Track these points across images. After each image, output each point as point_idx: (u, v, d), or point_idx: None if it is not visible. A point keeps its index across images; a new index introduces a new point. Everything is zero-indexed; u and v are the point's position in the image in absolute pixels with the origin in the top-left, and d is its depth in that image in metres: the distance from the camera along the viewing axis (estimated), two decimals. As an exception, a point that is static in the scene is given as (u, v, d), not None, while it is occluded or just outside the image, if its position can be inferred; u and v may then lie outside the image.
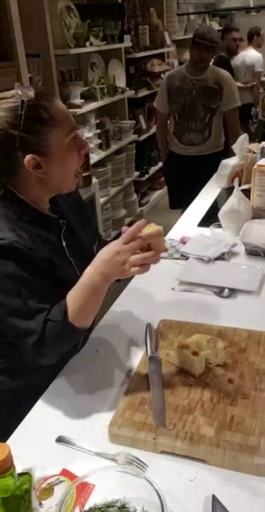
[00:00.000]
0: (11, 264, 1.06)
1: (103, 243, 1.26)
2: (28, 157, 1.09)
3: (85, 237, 1.33)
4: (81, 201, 1.42)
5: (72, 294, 1.09)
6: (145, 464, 0.97)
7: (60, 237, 1.23)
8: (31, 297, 1.07)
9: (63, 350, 1.13)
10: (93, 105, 3.76)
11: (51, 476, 0.95)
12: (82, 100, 3.55)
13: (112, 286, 1.18)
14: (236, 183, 1.94)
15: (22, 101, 1.08)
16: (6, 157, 1.11)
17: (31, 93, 1.09)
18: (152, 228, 1.09)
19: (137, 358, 1.27)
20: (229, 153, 2.62)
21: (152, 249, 1.08)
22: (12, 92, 1.11)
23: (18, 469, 0.76)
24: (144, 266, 1.06)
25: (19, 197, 1.15)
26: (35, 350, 1.06)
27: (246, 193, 2.02)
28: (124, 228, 1.10)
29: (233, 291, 1.56)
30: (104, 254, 1.07)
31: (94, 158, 3.81)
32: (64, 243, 1.24)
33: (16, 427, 1.10)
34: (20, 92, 1.08)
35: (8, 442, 1.04)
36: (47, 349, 1.07)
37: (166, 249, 1.11)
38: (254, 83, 5.63)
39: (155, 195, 5.39)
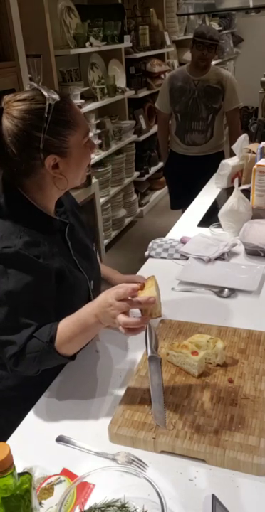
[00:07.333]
0: (12, 277, 1.07)
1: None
2: (49, 158, 1.11)
3: (82, 235, 1.34)
4: (75, 200, 1.44)
5: (65, 322, 1.10)
6: (145, 464, 0.97)
7: (65, 237, 1.24)
8: (24, 313, 1.08)
9: (41, 369, 1.13)
10: (93, 105, 3.76)
11: (51, 476, 0.95)
12: (83, 100, 3.56)
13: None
14: (236, 183, 1.94)
15: (49, 104, 1.08)
16: (27, 159, 1.11)
17: (56, 96, 1.09)
18: (150, 289, 1.04)
19: (137, 358, 1.27)
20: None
21: (143, 314, 1.04)
22: (26, 94, 1.11)
23: (18, 469, 0.76)
24: (129, 329, 1.02)
25: (28, 200, 1.16)
26: (12, 361, 1.09)
27: (246, 193, 2.03)
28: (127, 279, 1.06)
29: (233, 291, 1.56)
30: (102, 300, 1.06)
31: (94, 158, 3.81)
32: (69, 243, 1.25)
33: (19, 424, 1.11)
34: (46, 95, 1.09)
35: (8, 442, 1.04)
36: (24, 363, 1.09)
37: (160, 316, 1.05)
38: None
39: (155, 195, 5.38)
